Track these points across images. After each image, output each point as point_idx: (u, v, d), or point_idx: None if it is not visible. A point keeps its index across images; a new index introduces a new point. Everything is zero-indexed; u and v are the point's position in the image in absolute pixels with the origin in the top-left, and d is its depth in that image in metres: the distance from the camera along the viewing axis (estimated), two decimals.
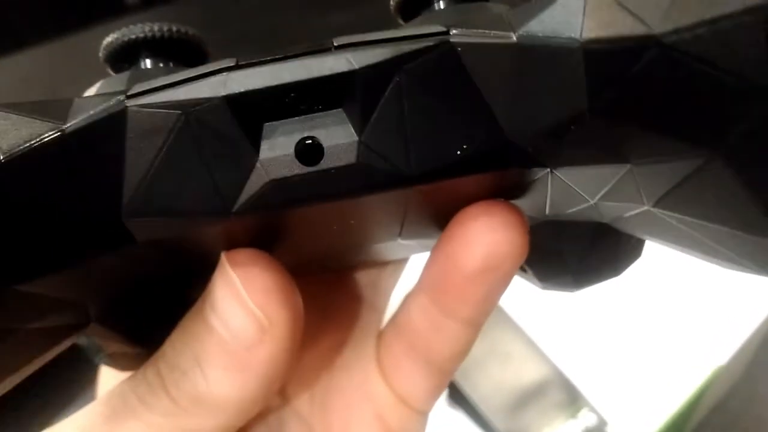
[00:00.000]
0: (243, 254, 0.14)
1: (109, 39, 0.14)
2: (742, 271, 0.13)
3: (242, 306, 0.14)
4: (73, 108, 0.12)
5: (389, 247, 0.18)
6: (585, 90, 0.11)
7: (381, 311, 0.20)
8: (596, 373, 0.37)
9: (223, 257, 0.14)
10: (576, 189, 0.14)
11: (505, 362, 0.40)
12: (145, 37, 0.14)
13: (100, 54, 0.14)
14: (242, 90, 0.12)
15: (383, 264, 0.20)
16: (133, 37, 0.14)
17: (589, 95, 0.11)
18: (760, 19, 0.09)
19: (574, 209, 0.15)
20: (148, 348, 0.16)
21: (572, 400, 0.37)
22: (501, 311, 0.40)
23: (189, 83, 0.12)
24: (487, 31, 0.12)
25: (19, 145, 0.11)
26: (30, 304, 0.12)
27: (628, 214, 0.14)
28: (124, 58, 0.15)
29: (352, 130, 0.12)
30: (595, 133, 0.12)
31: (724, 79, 0.10)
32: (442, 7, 0.14)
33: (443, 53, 0.12)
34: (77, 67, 0.81)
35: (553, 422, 0.38)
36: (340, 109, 0.12)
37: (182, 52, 0.15)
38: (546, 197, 0.14)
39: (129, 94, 0.12)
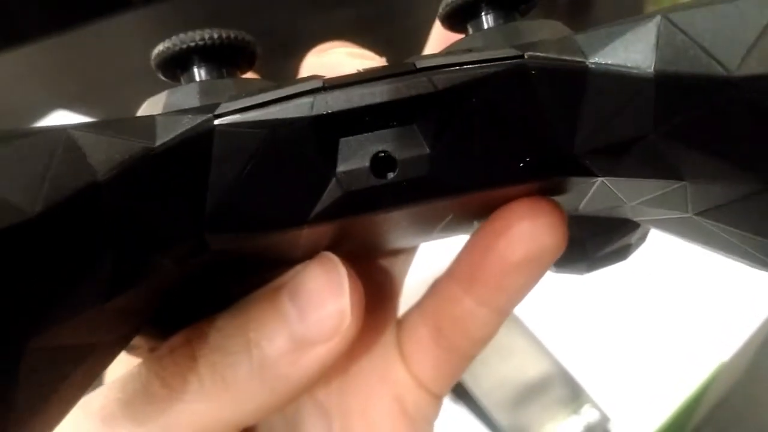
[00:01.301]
0: (330, 255, 0.15)
1: (162, 47, 0.15)
2: None
3: (334, 301, 0.15)
4: (158, 127, 0.12)
5: (413, 238, 0.18)
6: (652, 116, 0.12)
7: (396, 297, 0.21)
8: (599, 370, 0.37)
9: (326, 254, 0.15)
10: (618, 194, 0.14)
11: (508, 358, 0.40)
12: (199, 45, 0.15)
13: (152, 61, 0.15)
14: (330, 111, 0.12)
15: (396, 252, 0.21)
16: (188, 45, 0.15)
17: (655, 121, 0.12)
18: None
19: (607, 206, 0.15)
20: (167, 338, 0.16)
21: (575, 396, 0.38)
22: None
23: (277, 104, 0.12)
24: (560, 57, 0.13)
25: (113, 167, 0.11)
26: (112, 315, 0.12)
27: (665, 217, 0.14)
28: (176, 64, 0.15)
29: (425, 145, 0.13)
30: (657, 154, 0.12)
31: None
32: (490, 22, 0.15)
33: (518, 76, 0.13)
34: (82, 62, 0.81)
35: (555, 418, 0.38)
36: (413, 125, 0.13)
37: (234, 57, 0.15)
38: (585, 197, 0.15)
39: (216, 113, 0.13)
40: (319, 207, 0.13)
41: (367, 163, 0.13)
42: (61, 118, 0.60)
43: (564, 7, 0.82)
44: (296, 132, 0.12)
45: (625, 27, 0.12)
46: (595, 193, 0.15)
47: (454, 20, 0.15)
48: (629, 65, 0.12)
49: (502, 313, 0.17)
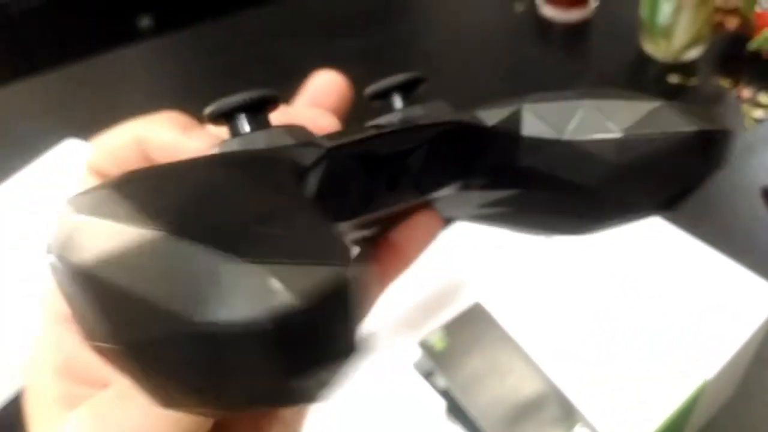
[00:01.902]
0: None
1: (216, 105, 0.18)
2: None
3: None
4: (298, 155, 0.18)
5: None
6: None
7: None
8: (591, 389, 0.38)
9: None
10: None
11: (503, 377, 0.41)
12: (244, 102, 0.18)
13: (207, 112, 0.18)
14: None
15: None
16: (235, 103, 0.18)
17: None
18: None
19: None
20: None
21: (567, 415, 0.38)
22: (499, 328, 0.41)
23: (363, 143, 0.19)
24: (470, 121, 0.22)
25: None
26: None
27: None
28: (223, 116, 0.18)
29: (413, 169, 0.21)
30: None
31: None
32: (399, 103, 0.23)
33: (455, 132, 0.22)
34: (92, 91, 0.83)
35: None
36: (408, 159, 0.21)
37: (265, 108, 0.19)
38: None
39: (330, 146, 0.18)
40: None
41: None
42: (71, 145, 0.62)
43: (560, 34, 0.84)
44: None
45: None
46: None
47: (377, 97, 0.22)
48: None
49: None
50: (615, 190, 0.20)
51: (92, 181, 0.22)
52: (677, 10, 0.70)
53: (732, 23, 0.74)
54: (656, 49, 0.75)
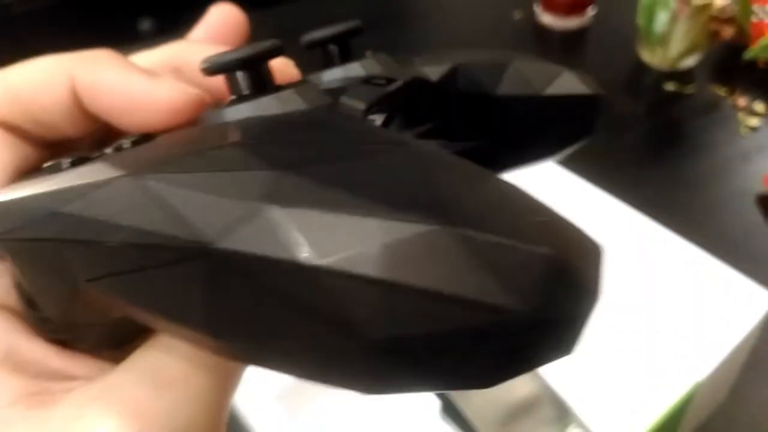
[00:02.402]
0: None
1: (213, 60, 0.16)
2: None
3: None
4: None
5: None
6: None
7: None
8: (584, 390, 0.38)
9: None
10: None
11: None
12: (245, 58, 0.16)
13: (203, 67, 0.16)
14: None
15: None
16: (235, 59, 0.16)
17: None
18: None
19: None
20: None
21: (561, 415, 0.39)
22: None
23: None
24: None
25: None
26: None
27: None
28: (220, 72, 0.17)
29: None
30: None
31: None
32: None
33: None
34: None
35: None
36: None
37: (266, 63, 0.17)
38: None
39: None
40: None
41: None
42: None
43: (558, 42, 0.85)
44: None
45: None
46: None
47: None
48: None
49: None
50: (533, 140, 0.25)
51: None
52: (674, 19, 0.71)
53: (728, 32, 0.75)
54: (653, 57, 0.75)
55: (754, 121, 0.69)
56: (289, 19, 0.93)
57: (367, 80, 0.19)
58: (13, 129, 0.18)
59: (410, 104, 0.21)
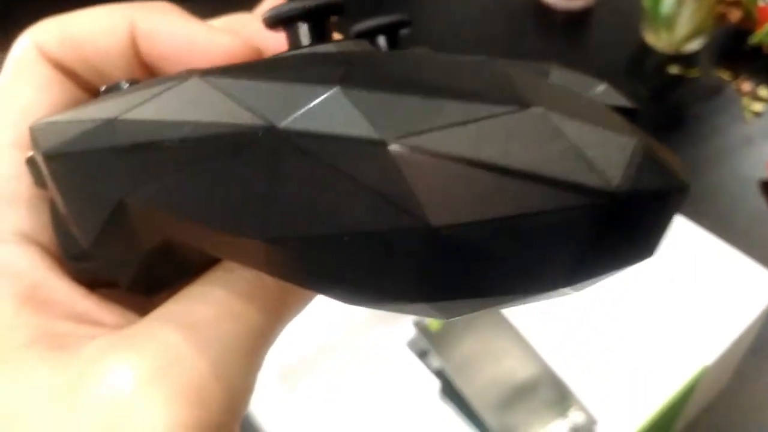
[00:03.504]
0: None
1: (277, 9, 0.16)
2: None
3: None
4: None
5: None
6: None
7: None
8: (586, 372, 0.38)
9: None
10: None
11: (499, 360, 0.41)
12: (309, 9, 0.16)
13: (265, 17, 0.16)
14: None
15: None
16: (299, 9, 0.16)
17: None
18: None
19: None
20: None
21: (562, 398, 0.38)
22: (495, 310, 0.40)
23: None
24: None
25: None
26: None
27: None
28: (281, 23, 0.16)
29: None
30: None
31: None
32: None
33: None
34: None
35: (543, 420, 0.38)
36: None
37: (328, 18, 0.17)
38: None
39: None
40: None
41: None
42: None
43: (562, 23, 0.84)
44: None
45: None
46: None
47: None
48: None
49: None
50: None
51: (46, 72, 0.18)
52: (680, 1, 0.70)
53: (734, 16, 0.74)
54: (657, 40, 0.74)
55: (758, 107, 0.68)
56: None
57: None
58: (69, 73, 0.18)
59: None
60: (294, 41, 0.16)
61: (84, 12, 0.18)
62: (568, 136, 0.11)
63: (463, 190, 0.11)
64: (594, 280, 0.12)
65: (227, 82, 0.13)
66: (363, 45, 0.16)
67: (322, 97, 0.11)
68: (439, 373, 0.41)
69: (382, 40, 0.21)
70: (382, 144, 0.11)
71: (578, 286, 0.12)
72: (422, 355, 0.40)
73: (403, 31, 0.21)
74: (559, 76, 0.21)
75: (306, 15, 0.16)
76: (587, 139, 0.11)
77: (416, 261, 0.11)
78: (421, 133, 0.11)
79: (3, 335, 0.15)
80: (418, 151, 0.11)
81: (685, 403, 0.37)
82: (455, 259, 0.11)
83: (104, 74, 0.18)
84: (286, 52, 0.15)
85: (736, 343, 0.37)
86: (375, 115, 0.11)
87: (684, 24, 0.71)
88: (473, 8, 0.87)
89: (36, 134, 0.16)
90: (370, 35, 0.21)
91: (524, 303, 0.13)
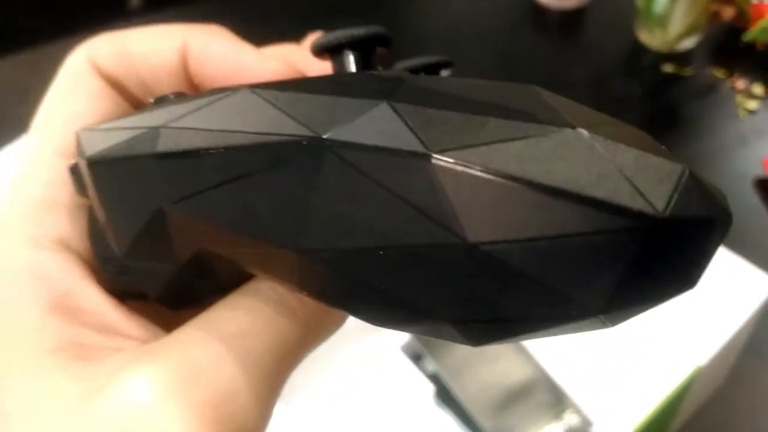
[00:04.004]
0: None
1: (326, 37, 0.16)
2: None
3: None
4: None
5: None
6: None
7: None
8: (581, 375, 0.38)
9: None
10: None
11: (493, 363, 0.41)
12: (357, 38, 0.16)
13: (313, 43, 0.16)
14: None
15: None
16: (348, 37, 0.16)
17: None
18: None
19: None
20: None
21: (557, 400, 0.38)
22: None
23: None
24: None
25: None
26: None
27: None
28: (328, 51, 0.16)
29: None
30: None
31: None
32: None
33: None
34: None
35: (538, 422, 0.38)
36: None
37: (374, 48, 0.17)
38: None
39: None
40: None
41: None
42: None
43: (556, 22, 0.83)
44: None
45: None
46: None
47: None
48: None
49: None
50: None
51: (97, 84, 0.18)
52: (673, 0, 0.70)
53: (728, 14, 0.74)
54: (651, 38, 0.74)
55: (752, 104, 0.68)
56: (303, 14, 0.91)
57: None
58: (119, 87, 0.19)
59: None
60: (340, 71, 0.16)
61: (140, 30, 0.19)
62: (612, 159, 0.11)
63: (503, 206, 0.11)
64: (632, 310, 0.12)
65: (275, 94, 0.13)
66: (406, 75, 0.16)
67: (369, 111, 0.12)
68: (434, 378, 0.41)
69: None
70: (424, 157, 0.11)
71: (615, 315, 0.12)
72: (416, 359, 0.40)
73: (446, 71, 0.22)
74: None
75: (353, 44, 0.16)
76: (632, 163, 0.11)
77: (451, 278, 0.11)
78: (464, 147, 0.11)
79: (28, 339, 0.15)
80: (459, 165, 0.11)
81: (680, 403, 0.37)
82: (491, 279, 0.11)
83: (153, 90, 0.19)
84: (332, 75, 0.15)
85: (730, 343, 0.37)
86: (419, 129, 0.11)
87: (677, 22, 0.71)
88: (469, 8, 0.87)
89: (81, 140, 0.16)
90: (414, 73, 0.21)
91: (556, 334, 0.12)
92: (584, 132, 0.11)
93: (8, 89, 0.77)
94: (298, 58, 0.19)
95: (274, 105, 0.12)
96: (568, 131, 0.11)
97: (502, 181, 0.11)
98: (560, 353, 0.38)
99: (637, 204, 0.11)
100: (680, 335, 0.37)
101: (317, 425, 0.37)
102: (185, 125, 0.14)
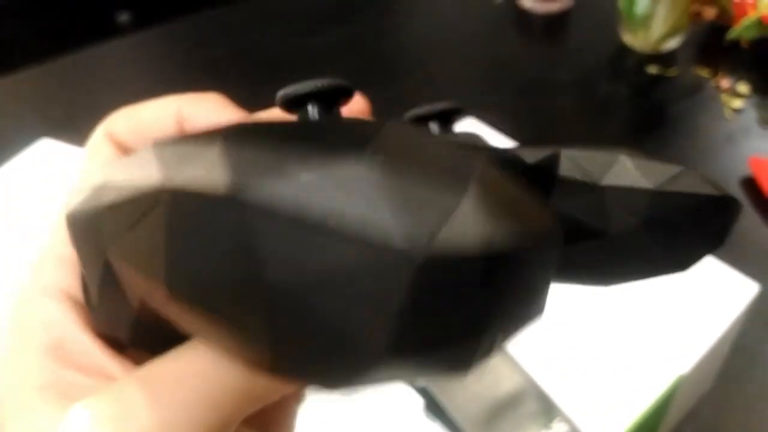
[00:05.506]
0: None
1: (289, 90, 0.17)
2: None
3: None
4: None
5: None
6: None
7: None
8: (569, 384, 0.38)
9: None
10: None
11: (481, 374, 0.41)
12: (320, 90, 0.17)
13: (279, 97, 0.17)
14: None
15: None
16: (310, 89, 0.17)
17: None
18: None
19: None
20: None
21: (546, 410, 0.38)
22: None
23: None
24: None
25: None
26: None
27: None
28: (292, 103, 0.17)
29: None
30: None
31: None
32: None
33: None
34: (69, 89, 0.82)
35: (526, 431, 0.39)
36: None
37: (339, 100, 0.17)
38: None
39: None
40: None
41: None
42: (46, 145, 0.61)
43: (540, 26, 0.84)
44: None
45: None
46: None
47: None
48: None
49: None
50: (642, 242, 0.20)
51: (109, 150, 0.21)
52: (655, 1, 0.70)
53: (710, 13, 0.74)
54: (635, 40, 0.75)
55: (737, 103, 0.69)
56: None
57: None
58: (128, 152, 0.21)
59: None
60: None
61: (149, 102, 0.21)
62: (390, 190, 0.10)
63: (285, 241, 0.11)
64: (420, 359, 0.11)
65: (161, 148, 0.14)
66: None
67: (197, 157, 0.12)
68: (423, 390, 0.42)
69: (434, 126, 0.22)
70: (229, 198, 0.11)
71: (405, 367, 0.11)
72: None
73: (458, 118, 0.22)
74: (633, 159, 0.21)
75: (314, 97, 0.16)
76: (412, 196, 0.11)
77: (260, 314, 0.11)
78: (261, 179, 0.11)
79: (24, 379, 0.17)
80: (252, 201, 0.11)
81: (666, 410, 0.38)
82: (289, 315, 0.11)
83: None
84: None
85: (713, 351, 0.37)
86: (234, 163, 0.11)
87: (660, 23, 0.72)
88: (453, 12, 0.87)
89: (68, 199, 0.18)
90: (423, 120, 0.22)
91: (350, 388, 0.12)
92: (367, 160, 0.11)
93: (3, 108, 0.78)
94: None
95: (154, 158, 0.13)
96: (358, 160, 0.11)
97: (284, 217, 0.11)
98: (548, 363, 0.38)
99: (393, 240, 0.10)
100: (663, 343, 0.37)
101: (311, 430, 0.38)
102: (119, 178, 0.15)
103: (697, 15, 0.74)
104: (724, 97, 0.69)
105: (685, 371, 0.35)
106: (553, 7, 0.82)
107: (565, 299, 0.40)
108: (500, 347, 0.12)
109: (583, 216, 0.20)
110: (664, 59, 0.74)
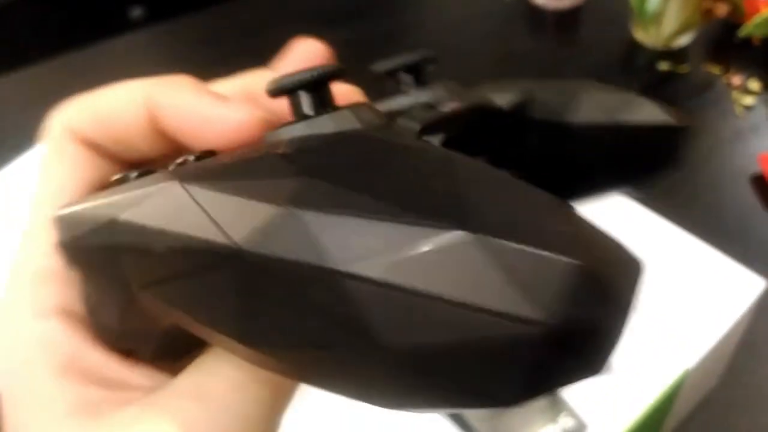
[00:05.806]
0: None
1: (277, 82, 0.17)
2: None
3: None
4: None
5: None
6: None
7: None
8: None
9: None
10: None
11: None
12: (307, 80, 0.17)
13: (267, 89, 0.17)
14: None
15: None
16: (298, 81, 0.17)
17: None
18: None
19: None
20: None
21: (552, 404, 0.39)
22: None
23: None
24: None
25: None
26: None
27: None
28: (283, 94, 0.17)
29: None
30: None
31: None
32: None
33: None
34: (82, 82, 0.82)
35: (533, 426, 0.39)
36: None
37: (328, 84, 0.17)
38: None
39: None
40: None
41: None
42: None
43: (551, 22, 0.84)
44: None
45: None
46: None
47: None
48: None
49: None
50: (609, 170, 0.23)
51: (74, 149, 0.19)
52: None
53: (722, 10, 0.74)
54: (646, 36, 0.74)
55: (748, 100, 0.68)
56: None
57: (430, 105, 0.20)
58: (96, 147, 0.19)
59: (472, 129, 0.21)
60: (296, 110, 0.17)
61: (107, 89, 0.19)
62: (500, 262, 0.11)
63: (405, 315, 0.11)
64: (534, 396, 0.13)
65: (199, 191, 0.14)
66: (364, 112, 0.17)
67: (279, 222, 0.12)
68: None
69: (406, 77, 0.22)
70: (331, 272, 0.12)
71: (519, 402, 0.13)
72: None
73: (430, 67, 0.22)
74: (599, 95, 0.23)
75: (303, 86, 0.16)
76: (521, 263, 0.11)
77: (372, 377, 0.12)
78: (367, 258, 0.11)
79: (46, 406, 0.16)
80: (363, 280, 0.11)
81: (671, 405, 0.38)
82: (406, 376, 0.12)
83: (131, 146, 0.19)
84: (285, 124, 0.16)
85: (719, 346, 0.37)
86: (323, 239, 0.12)
87: (671, 20, 0.71)
88: (464, 10, 0.87)
89: (56, 225, 0.17)
90: (393, 73, 0.22)
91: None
92: (470, 235, 0.11)
93: (16, 103, 0.78)
94: (262, 88, 0.20)
95: (199, 206, 0.13)
96: (459, 234, 0.11)
97: (403, 294, 0.11)
98: None
99: (524, 311, 0.11)
100: (670, 338, 0.37)
101: (314, 430, 0.38)
102: (131, 220, 0.15)
103: (709, 12, 0.73)
104: (735, 94, 0.69)
105: (691, 366, 0.35)
106: (565, 4, 0.82)
107: None
108: None
109: (554, 149, 0.23)
110: (676, 56, 0.74)
